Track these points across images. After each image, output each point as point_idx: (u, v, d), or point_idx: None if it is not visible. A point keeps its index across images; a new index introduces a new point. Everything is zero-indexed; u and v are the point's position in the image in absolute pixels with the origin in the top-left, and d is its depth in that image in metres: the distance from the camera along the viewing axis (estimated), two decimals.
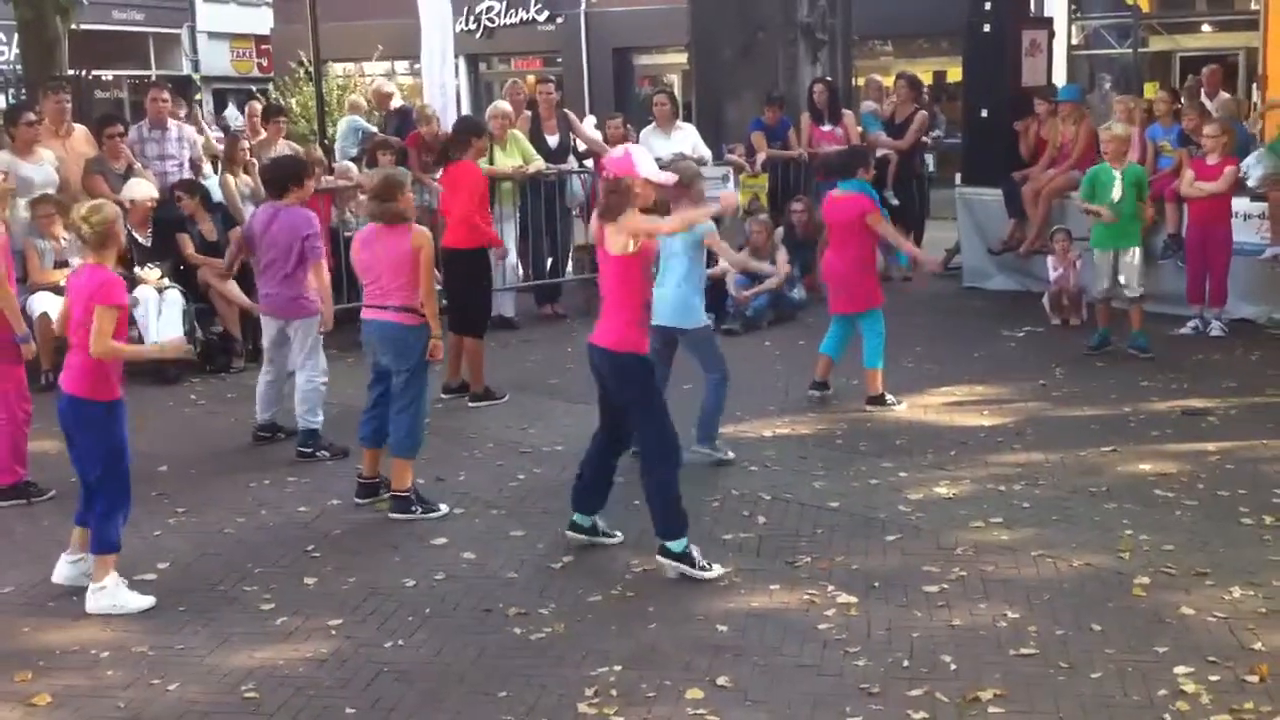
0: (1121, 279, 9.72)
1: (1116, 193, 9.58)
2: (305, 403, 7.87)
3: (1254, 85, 16.96)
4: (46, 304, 9.40)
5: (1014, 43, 12.90)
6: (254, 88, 29.45)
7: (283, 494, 7.24)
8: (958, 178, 14.69)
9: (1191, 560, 5.83)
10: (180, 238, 10.37)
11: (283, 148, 12.05)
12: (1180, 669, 4.80)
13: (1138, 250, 9.77)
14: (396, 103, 14.95)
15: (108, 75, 29.94)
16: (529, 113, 12.50)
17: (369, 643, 5.26)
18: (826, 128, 13.11)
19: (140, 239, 10.22)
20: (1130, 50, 24.40)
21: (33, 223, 9.96)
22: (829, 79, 13.74)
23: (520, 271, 12.10)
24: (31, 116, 10.71)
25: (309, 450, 7.83)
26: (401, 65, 26.76)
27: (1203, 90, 13.76)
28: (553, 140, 12.23)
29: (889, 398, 8.62)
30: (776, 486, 7.08)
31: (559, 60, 29.53)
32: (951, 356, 10.15)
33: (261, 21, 34.38)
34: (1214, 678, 4.73)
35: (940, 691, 4.68)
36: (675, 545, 5.83)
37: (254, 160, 11.57)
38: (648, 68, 30.37)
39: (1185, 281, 10.67)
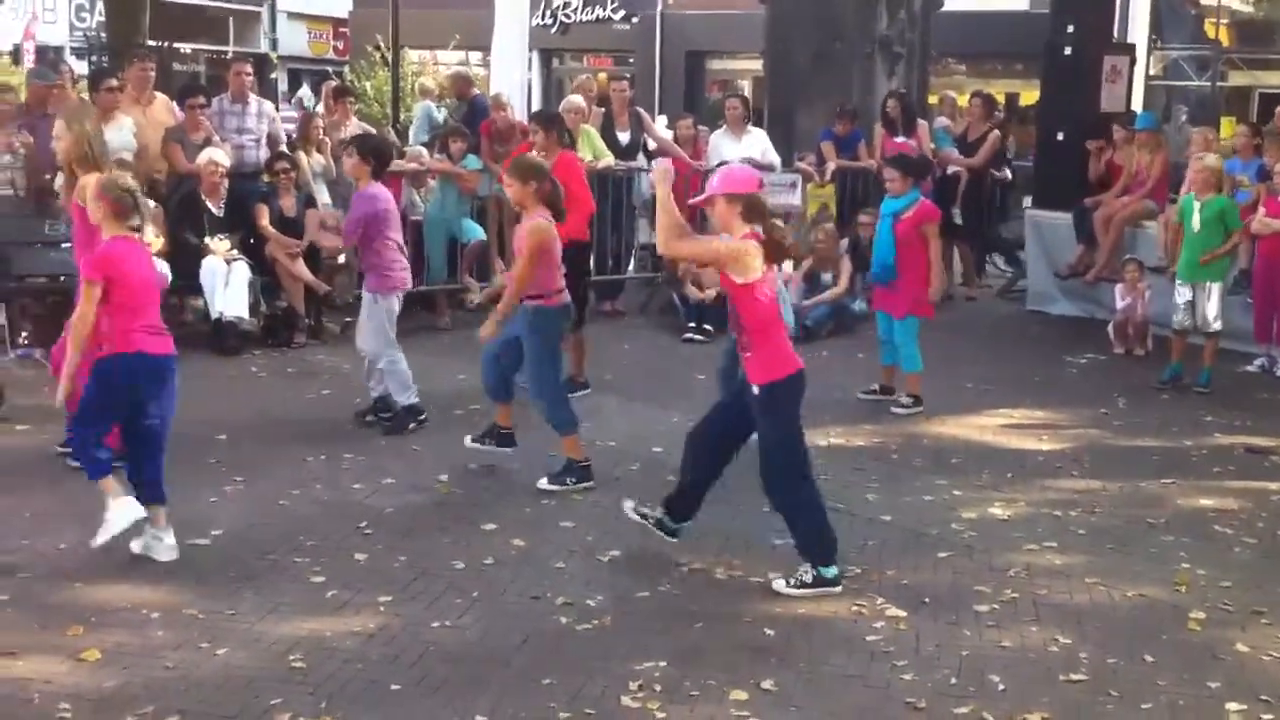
0: (1199, 312, 9.61)
1: (1196, 224, 9.48)
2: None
3: None
4: None
5: (1094, 67, 12.78)
6: (330, 69, 29.77)
7: (338, 470, 7.28)
8: (1026, 200, 14.61)
9: (1248, 598, 5.75)
10: (258, 208, 10.46)
11: (354, 128, 12.15)
12: (1233, 705, 4.73)
13: (1218, 285, 9.65)
14: (475, 90, 15.01)
15: (186, 49, 30.24)
16: (601, 109, 12.51)
17: (417, 621, 5.29)
18: (900, 139, 13.04)
19: (213, 209, 10.33)
20: (1209, 83, 24.17)
21: None
22: (903, 92, 13.68)
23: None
24: (114, 82, 10.87)
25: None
26: (475, 56, 26.87)
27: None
28: (624, 137, 12.24)
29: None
30: (829, 496, 6.94)
31: (631, 60, 29.58)
32: (1012, 379, 10.06)
33: (340, 4, 34.62)
34: (1267, 716, 4.67)
35: (987, 711, 4.64)
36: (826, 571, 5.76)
37: (326, 139, 11.67)
38: (719, 72, 30.35)
39: (1252, 317, 10.52)
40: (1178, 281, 9.85)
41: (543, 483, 7.00)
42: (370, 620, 5.29)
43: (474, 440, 7.43)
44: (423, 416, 8.02)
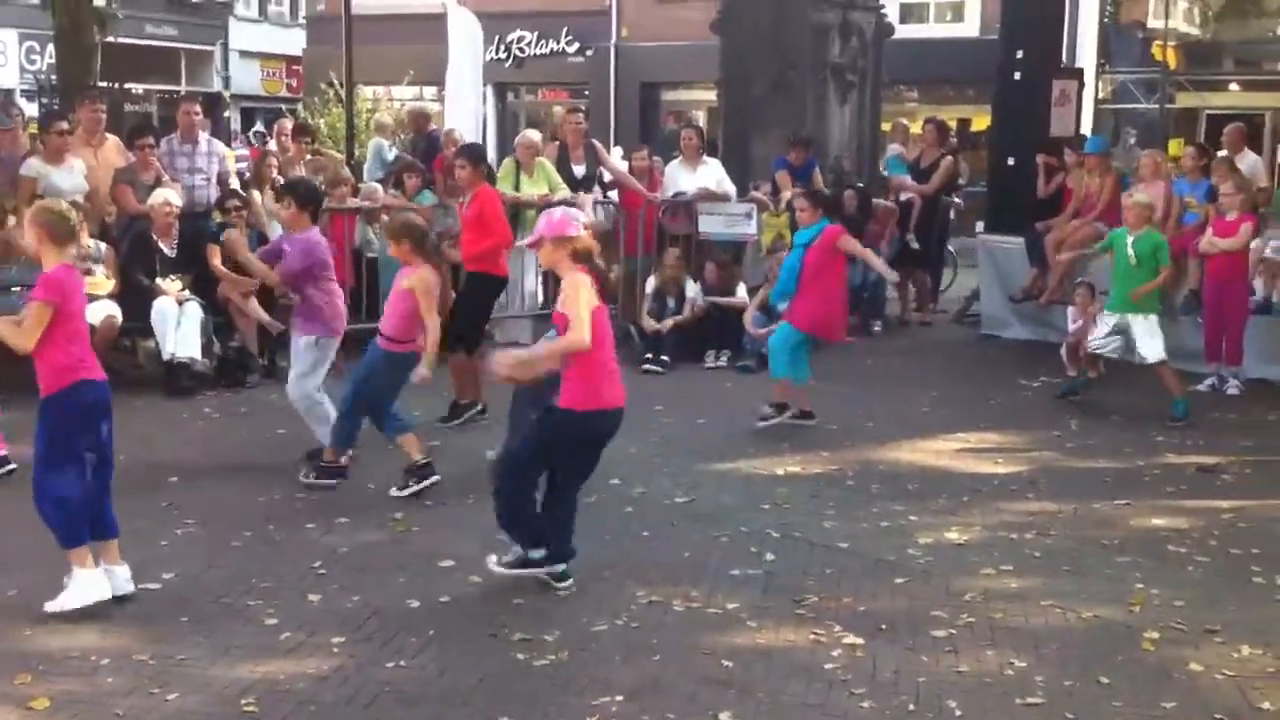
0: (1133, 346, 9.57)
1: (1131, 257, 9.46)
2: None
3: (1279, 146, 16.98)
4: None
5: (1044, 92, 12.93)
6: (284, 107, 29.73)
7: (292, 510, 7.22)
8: (979, 226, 14.75)
9: (1202, 617, 5.78)
10: (210, 248, 10.40)
11: (305, 168, 12.14)
12: None
13: (1153, 318, 9.55)
14: (444, 125, 15.03)
15: (138, 89, 30.17)
16: (555, 142, 12.54)
17: (372, 661, 5.24)
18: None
19: (165, 249, 10.27)
20: (1157, 106, 24.48)
21: None
22: (860, 186, 13.60)
23: (540, 298, 12.10)
24: (64, 125, 10.82)
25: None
26: (429, 90, 26.92)
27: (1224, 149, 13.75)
28: (579, 170, 12.26)
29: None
30: (786, 525, 7.05)
31: (586, 92, 29.69)
32: (967, 402, 10.13)
33: (293, 42, 34.68)
34: None
35: None
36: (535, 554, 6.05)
37: (280, 178, 11.63)
38: (674, 103, 30.53)
39: (1203, 338, 10.63)
40: (1105, 311, 9.79)
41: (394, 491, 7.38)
42: (324, 662, 5.24)
43: (400, 490, 7.47)
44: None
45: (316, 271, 7.87)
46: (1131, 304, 9.53)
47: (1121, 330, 9.55)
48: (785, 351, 9.12)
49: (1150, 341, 9.52)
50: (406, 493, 7.39)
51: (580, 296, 5.76)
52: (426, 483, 7.43)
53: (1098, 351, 9.75)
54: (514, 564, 6.06)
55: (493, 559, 6.07)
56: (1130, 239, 9.49)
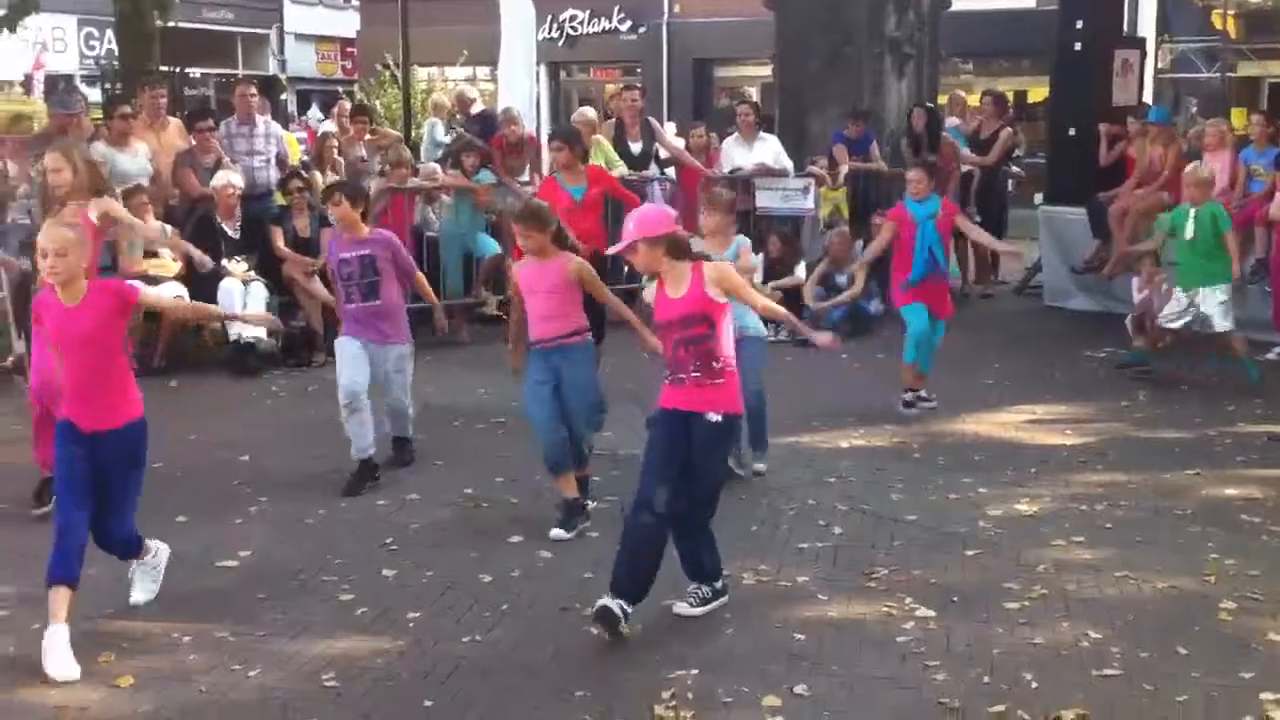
0: (1206, 315, 9.46)
1: (1189, 232, 9.37)
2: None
3: None
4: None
5: (1105, 62, 12.78)
6: (340, 89, 29.89)
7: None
8: (1037, 197, 14.61)
9: (1278, 587, 5.72)
10: (273, 230, 10.51)
11: (365, 148, 12.23)
12: (1267, 695, 4.70)
13: (1223, 287, 9.45)
14: (478, 108, 15.05)
15: (196, 73, 30.40)
16: (609, 120, 12.54)
17: (447, 637, 5.29)
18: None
19: (228, 230, 10.38)
20: (1218, 75, 24.10)
21: None
22: (930, 106, 13.61)
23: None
24: (127, 109, 10.96)
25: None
26: (483, 71, 26.95)
27: None
28: (636, 147, 12.25)
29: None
30: (853, 498, 7.04)
31: (639, 70, 29.62)
32: (1031, 375, 10.06)
33: (348, 24, 34.79)
34: None
35: (1022, 709, 4.61)
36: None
37: (341, 159, 11.72)
38: (727, 79, 30.41)
39: (1271, 307, 10.48)
40: (1177, 289, 9.65)
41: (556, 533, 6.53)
42: (400, 637, 5.30)
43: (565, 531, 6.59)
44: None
45: (402, 269, 7.57)
46: (1202, 276, 9.42)
47: (1194, 303, 9.44)
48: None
49: (1222, 311, 9.43)
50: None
51: (741, 283, 5.48)
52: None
53: (1170, 325, 9.63)
54: (708, 599, 5.54)
55: (683, 606, 5.52)
56: (1192, 213, 9.37)
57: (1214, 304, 9.42)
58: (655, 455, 5.41)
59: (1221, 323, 9.46)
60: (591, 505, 6.79)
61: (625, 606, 5.22)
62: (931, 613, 5.47)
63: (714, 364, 5.35)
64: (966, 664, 5.01)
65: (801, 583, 5.83)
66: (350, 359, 7.35)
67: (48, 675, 4.89)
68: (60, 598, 5.06)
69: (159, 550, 5.72)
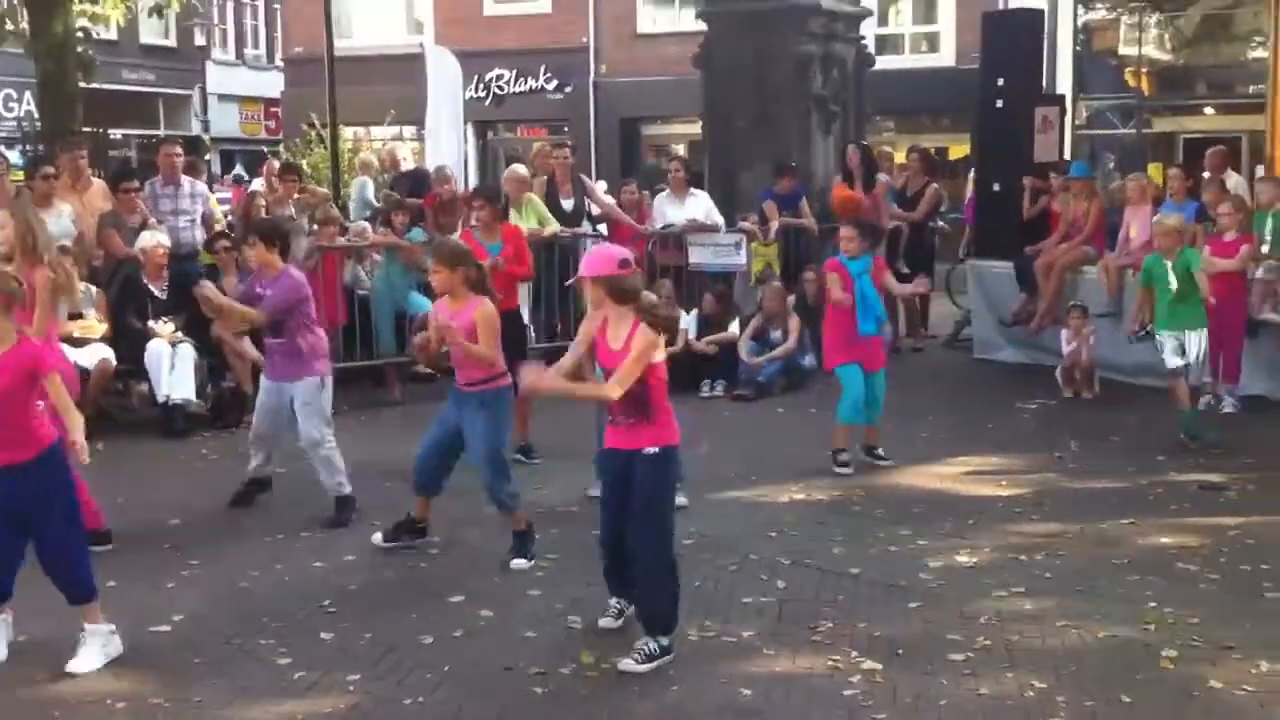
0: (1190, 360, 9.52)
1: (1173, 282, 9.48)
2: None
3: (1258, 167, 17.09)
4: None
5: (1026, 119, 13.02)
6: (265, 149, 29.74)
7: (297, 548, 7.17)
8: (960, 252, 14.83)
9: (1217, 634, 5.77)
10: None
11: (294, 206, 12.14)
12: None
13: (1204, 332, 9.50)
14: (408, 165, 15.03)
15: (117, 134, 30.13)
16: (544, 177, 12.55)
17: (388, 699, 5.19)
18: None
19: (156, 291, 10.23)
20: (1134, 131, 24.68)
21: None
22: (865, 143, 13.82)
23: (532, 334, 12.07)
24: (49, 170, 10.80)
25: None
26: (409, 130, 26.96)
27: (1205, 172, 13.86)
28: (568, 204, 12.27)
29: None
30: (795, 552, 7.03)
31: (565, 129, 29.78)
32: (965, 426, 10.14)
33: (271, 85, 34.71)
34: None
35: None
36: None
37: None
38: (655, 137, 30.63)
39: None
40: (1161, 334, 9.58)
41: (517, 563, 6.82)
42: (340, 700, 5.19)
43: (386, 540, 7.15)
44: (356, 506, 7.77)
45: (305, 308, 7.71)
46: (1185, 320, 9.47)
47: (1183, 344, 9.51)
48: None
49: (1202, 357, 9.59)
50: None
51: (644, 352, 5.45)
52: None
53: (1179, 371, 9.53)
54: (654, 656, 5.48)
55: (628, 662, 5.45)
56: (1169, 263, 9.46)
57: (1199, 349, 9.52)
58: (605, 494, 5.73)
59: (1198, 369, 9.61)
60: (528, 565, 6.80)
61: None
62: (878, 665, 5.46)
63: (648, 408, 5.54)
64: (914, 716, 5.00)
65: (747, 637, 5.79)
66: (263, 405, 7.83)
67: None
68: None
69: (113, 633, 5.63)
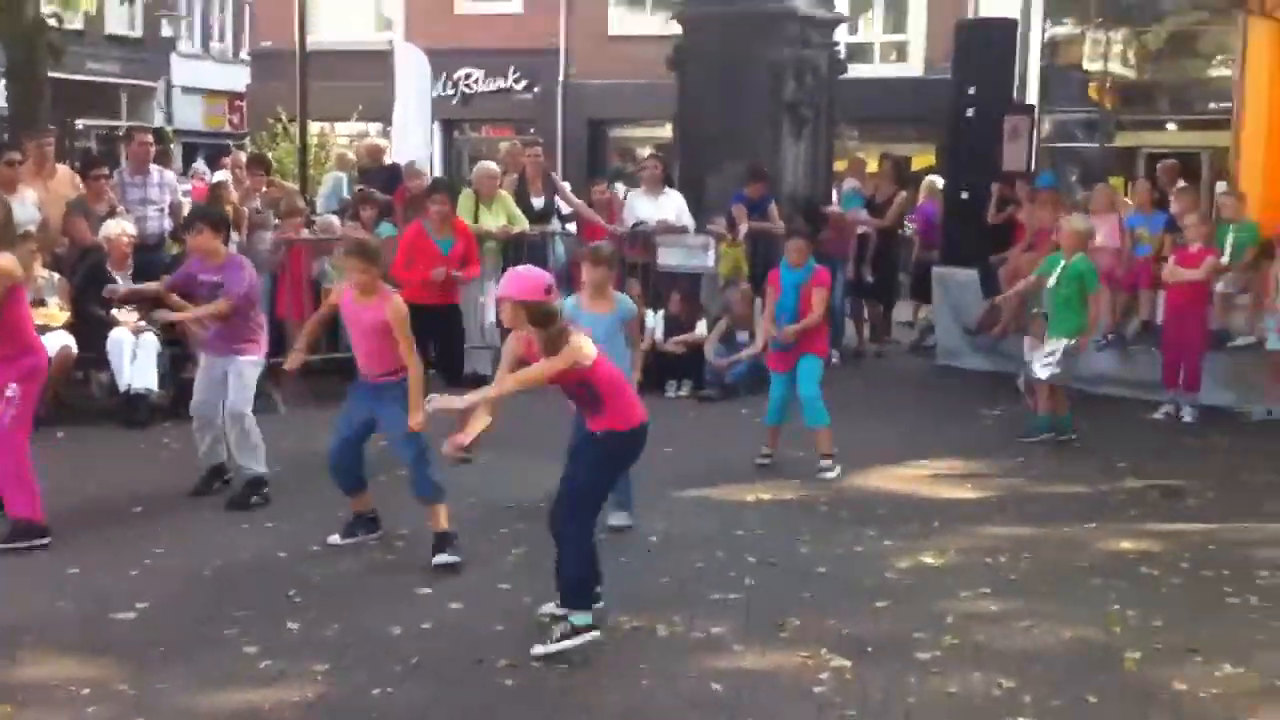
0: (1046, 359, 9.65)
1: (1052, 280, 9.63)
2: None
3: (1219, 183, 17.32)
4: None
5: (995, 128, 13.12)
6: (230, 142, 29.54)
7: (262, 538, 7.13)
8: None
9: (1180, 637, 5.83)
10: (165, 279, 10.26)
11: (261, 200, 12.07)
12: None
13: (1065, 342, 9.60)
14: (388, 159, 15.02)
15: (79, 124, 29.88)
16: (514, 174, 12.54)
17: (357, 689, 5.16)
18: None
19: (120, 279, 10.12)
20: (1097, 145, 24.92)
21: None
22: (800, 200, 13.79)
23: (500, 330, 12.05)
24: (15, 156, 10.69)
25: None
26: (375, 126, 26.86)
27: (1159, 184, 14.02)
28: (538, 202, 12.26)
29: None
30: (763, 551, 7.04)
31: (532, 130, 29.73)
32: (930, 431, 10.19)
33: (236, 79, 34.48)
34: None
35: None
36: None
37: (244, 209, 11.56)
38: (622, 140, 30.62)
39: (1159, 368, 10.77)
40: (1048, 336, 9.79)
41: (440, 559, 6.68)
42: (309, 689, 5.16)
43: (343, 538, 7.07)
44: (266, 489, 7.78)
45: (254, 294, 7.93)
46: (1057, 326, 9.65)
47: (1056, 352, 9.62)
48: (820, 389, 8.83)
49: (1048, 362, 9.63)
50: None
51: (584, 353, 5.51)
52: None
53: (1050, 380, 9.74)
54: (565, 636, 5.51)
55: (539, 648, 5.49)
56: (1062, 263, 9.60)
57: (1057, 352, 9.58)
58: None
59: (1040, 371, 9.68)
60: (456, 559, 6.68)
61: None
62: (846, 662, 5.48)
63: (599, 401, 5.65)
64: (884, 713, 5.02)
65: (715, 634, 5.80)
66: (202, 380, 7.90)
67: None
68: None
69: None
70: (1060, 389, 9.85)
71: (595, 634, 5.56)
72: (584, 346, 5.53)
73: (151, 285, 8.54)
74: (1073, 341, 9.59)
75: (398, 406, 6.76)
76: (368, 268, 6.83)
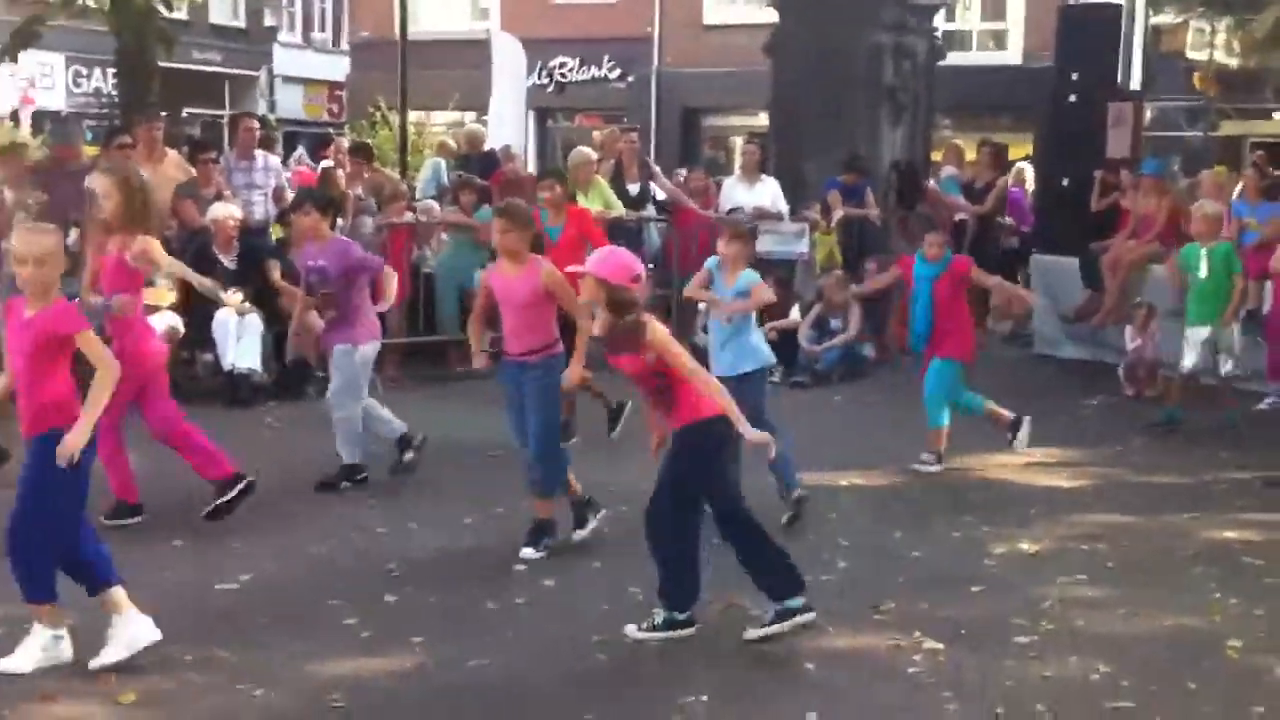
0: (1218, 356, 9.61)
1: (1203, 270, 9.49)
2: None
3: None
4: None
5: (1099, 114, 12.92)
6: (331, 130, 29.98)
7: (363, 516, 7.26)
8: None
9: None
10: (269, 263, 10.50)
11: (364, 186, 12.25)
12: None
13: (1208, 330, 9.55)
14: (488, 146, 15.19)
15: (184, 113, 30.48)
16: (611, 161, 12.61)
17: (453, 660, 5.25)
18: None
19: (225, 262, 10.35)
20: (1201, 133, 24.45)
21: None
22: (899, 163, 13.69)
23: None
24: (126, 140, 10.97)
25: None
26: (470, 115, 27.11)
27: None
28: (633, 188, 12.33)
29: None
30: (856, 534, 7.03)
31: (625, 119, 29.82)
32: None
33: (336, 68, 34.94)
34: None
35: None
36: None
37: (348, 193, 11.76)
38: (715, 129, 30.58)
39: (1265, 357, 10.55)
40: (1190, 326, 9.71)
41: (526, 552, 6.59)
42: (407, 660, 5.26)
43: (534, 550, 6.65)
44: (362, 476, 7.79)
45: (353, 275, 7.79)
46: (1212, 315, 9.53)
47: (1210, 342, 9.54)
48: (945, 394, 8.56)
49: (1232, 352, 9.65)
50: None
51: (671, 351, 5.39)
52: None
53: (1194, 372, 9.62)
54: (655, 628, 5.52)
55: (632, 627, 5.52)
56: (1204, 252, 9.47)
57: (1226, 343, 9.60)
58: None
59: (1187, 360, 9.61)
60: (539, 554, 6.59)
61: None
62: (940, 645, 5.46)
63: (671, 395, 5.50)
64: (979, 695, 4.99)
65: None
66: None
67: (49, 692, 4.84)
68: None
69: (134, 622, 5.16)
70: (1175, 380, 9.74)
71: (810, 615, 5.48)
72: (667, 335, 5.44)
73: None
74: (1224, 328, 9.58)
75: (536, 387, 6.62)
76: (513, 228, 6.61)
